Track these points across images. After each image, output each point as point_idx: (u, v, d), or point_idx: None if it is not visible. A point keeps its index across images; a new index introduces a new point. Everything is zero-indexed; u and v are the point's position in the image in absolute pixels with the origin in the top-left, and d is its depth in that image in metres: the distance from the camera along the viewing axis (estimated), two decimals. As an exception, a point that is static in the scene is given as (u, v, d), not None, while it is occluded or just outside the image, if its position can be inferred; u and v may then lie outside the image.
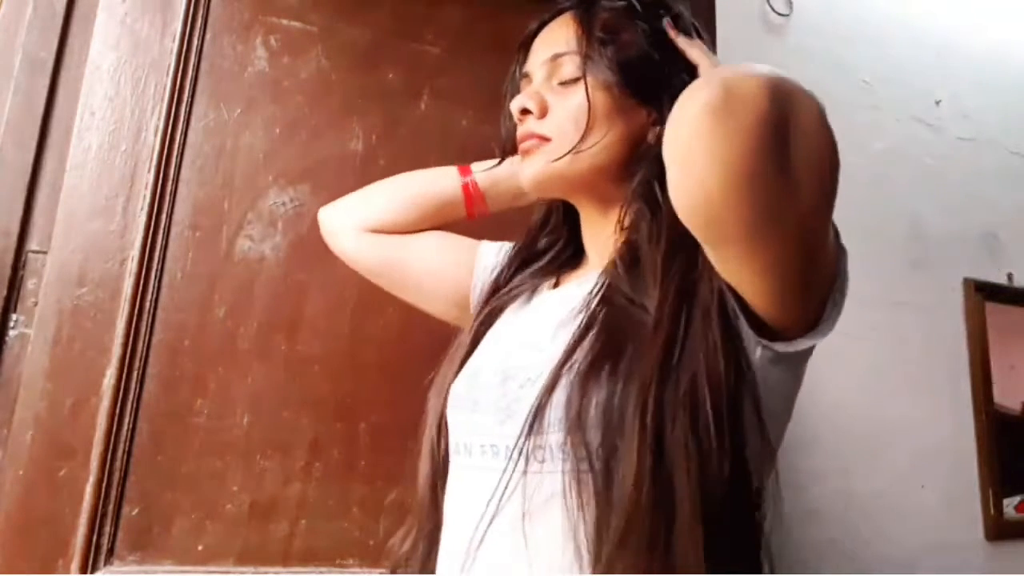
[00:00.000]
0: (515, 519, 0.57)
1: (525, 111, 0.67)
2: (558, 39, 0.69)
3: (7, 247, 0.98)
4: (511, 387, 0.63)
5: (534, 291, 0.76)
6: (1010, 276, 1.74)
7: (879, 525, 1.43)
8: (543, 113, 0.67)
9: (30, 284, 0.98)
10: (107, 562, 0.93)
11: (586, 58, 0.65)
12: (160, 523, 0.95)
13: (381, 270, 0.84)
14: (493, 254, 0.82)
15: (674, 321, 0.56)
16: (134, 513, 0.95)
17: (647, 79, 0.66)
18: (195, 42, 1.07)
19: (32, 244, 0.99)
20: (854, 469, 1.43)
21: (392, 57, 1.15)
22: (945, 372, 1.61)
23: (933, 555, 1.45)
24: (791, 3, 1.58)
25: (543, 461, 0.57)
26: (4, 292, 0.97)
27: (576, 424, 0.55)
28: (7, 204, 0.99)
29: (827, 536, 1.37)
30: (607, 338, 0.59)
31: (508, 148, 0.73)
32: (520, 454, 0.57)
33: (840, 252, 0.56)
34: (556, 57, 0.68)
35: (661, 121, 0.65)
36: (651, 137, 0.66)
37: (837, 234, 0.56)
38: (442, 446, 0.69)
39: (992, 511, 1.55)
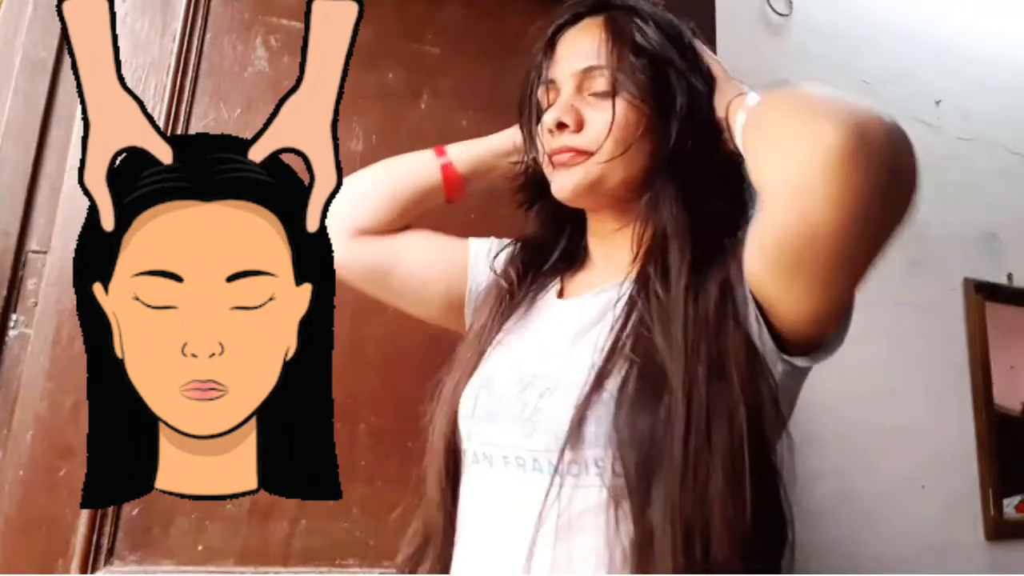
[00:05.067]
0: (553, 533, 0.58)
1: (562, 125, 0.67)
2: (587, 50, 0.69)
3: (7, 247, 0.98)
4: (530, 396, 0.63)
5: (536, 297, 0.76)
6: (1010, 276, 1.74)
7: (879, 525, 1.43)
8: (579, 127, 0.67)
9: (30, 284, 0.98)
10: (107, 562, 0.93)
11: (617, 73, 0.67)
12: (160, 523, 0.95)
13: (372, 276, 0.82)
14: (485, 253, 0.82)
15: (706, 359, 0.58)
16: (134, 513, 0.95)
17: (671, 93, 0.67)
18: (195, 42, 1.07)
19: (32, 244, 0.99)
20: (854, 469, 1.43)
21: (392, 57, 1.15)
22: (945, 372, 1.61)
23: (933, 555, 1.45)
24: (791, 3, 1.58)
25: (577, 475, 0.58)
26: (4, 292, 0.97)
27: (616, 442, 0.57)
28: (7, 204, 0.99)
29: (827, 536, 1.37)
30: (644, 356, 0.60)
31: (544, 161, 0.72)
32: (561, 469, 0.58)
33: None
34: (589, 70, 0.68)
35: (677, 134, 0.67)
36: (669, 151, 0.68)
37: None
38: (455, 454, 0.69)
39: (992, 511, 1.55)
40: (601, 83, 0.67)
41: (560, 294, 0.75)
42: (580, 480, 0.58)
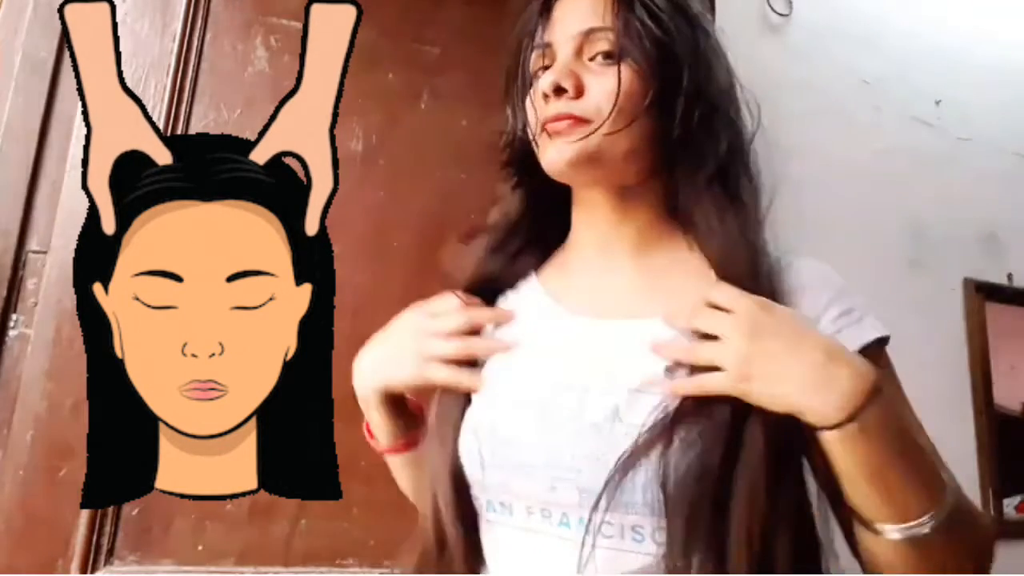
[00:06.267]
0: None
1: (560, 90, 0.61)
2: (589, 11, 0.63)
3: (7, 247, 0.98)
4: (543, 439, 0.58)
5: (523, 305, 0.68)
6: (1010, 276, 1.74)
7: (879, 525, 1.43)
8: (579, 93, 0.61)
9: (30, 284, 0.98)
10: (107, 562, 0.93)
11: (623, 37, 0.61)
12: (160, 523, 0.95)
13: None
14: None
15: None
16: (134, 513, 0.95)
17: (678, 65, 0.62)
18: (195, 42, 1.07)
19: (32, 244, 0.99)
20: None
21: (392, 57, 1.15)
22: (945, 372, 1.61)
23: (933, 555, 1.45)
24: (791, 3, 1.58)
25: (611, 537, 0.54)
26: (4, 292, 0.97)
27: (658, 511, 0.53)
28: (7, 204, 0.99)
29: (827, 536, 1.36)
30: (694, 423, 0.54)
31: (537, 131, 0.65)
32: (592, 529, 0.54)
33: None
34: (590, 32, 0.62)
35: (684, 109, 0.62)
36: (677, 132, 0.63)
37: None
38: (466, 497, 0.63)
39: (992, 511, 1.55)
40: (604, 47, 0.62)
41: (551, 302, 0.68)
42: (613, 543, 0.54)
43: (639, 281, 0.65)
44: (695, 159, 0.63)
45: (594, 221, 0.68)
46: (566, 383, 0.60)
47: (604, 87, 0.61)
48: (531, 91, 0.65)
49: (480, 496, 0.62)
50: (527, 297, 0.69)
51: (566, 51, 0.63)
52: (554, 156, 0.62)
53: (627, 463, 0.53)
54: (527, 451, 0.58)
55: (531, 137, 0.65)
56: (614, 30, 0.61)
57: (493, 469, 0.60)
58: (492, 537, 0.62)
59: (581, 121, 0.61)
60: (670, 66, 0.62)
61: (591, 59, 0.63)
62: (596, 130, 0.60)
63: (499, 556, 0.61)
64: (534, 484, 0.57)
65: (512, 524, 0.59)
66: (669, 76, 0.62)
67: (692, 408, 0.54)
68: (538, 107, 0.63)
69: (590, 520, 0.54)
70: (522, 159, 0.69)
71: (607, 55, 0.62)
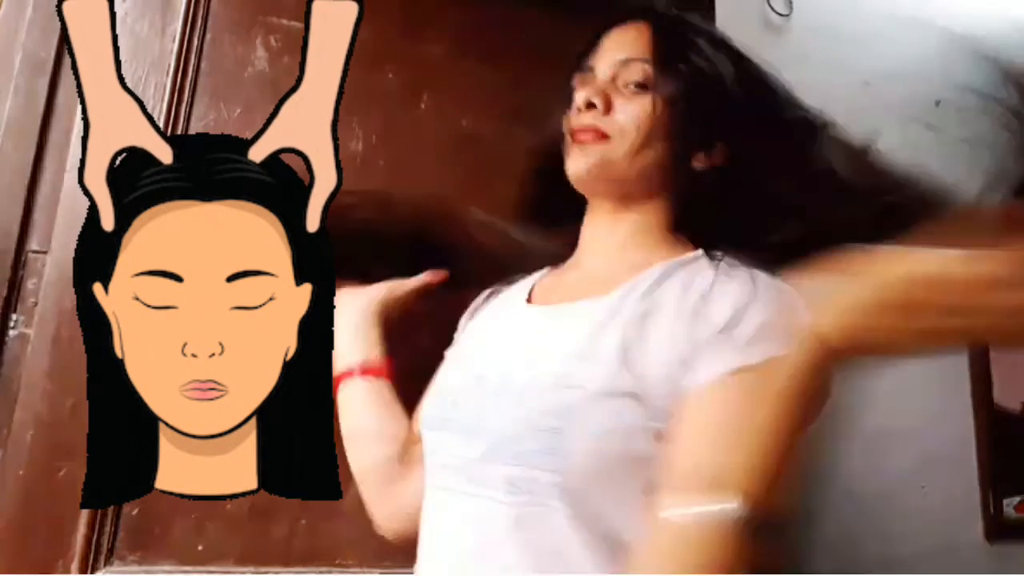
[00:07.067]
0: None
1: (591, 105, 0.69)
2: (631, 44, 0.71)
3: (7, 247, 0.98)
4: (471, 399, 0.65)
5: (503, 302, 0.77)
6: (1010, 276, 1.74)
7: (879, 525, 1.43)
8: (607, 110, 0.69)
9: (30, 284, 0.98)
10: (107, 562, 0.93)
11: (656, 68, 0.69)
12: (160, 523, 0.95)
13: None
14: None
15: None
16: (134, 513, 0.95)
17: (708, 104, 0.69)
18: (195, 42, 1.07)
19: (32, 244, 0.99)
20: (854, 469, 1.43)
21: (392, 57, 1.15)
22: (945, 372, 1.61)
23: (933, 555, 1.45)
24: (791, 3, 1.58)
25: (530, 493, 0.57)
26: (4, 292, 0.97)
27: (571, 468, 0.56)
28: (7, 204, 0.99)
29: (827, 537, 1.37)
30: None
31: (567, 140, 0.73)
32: (489, 484, 0.59)
33: None
34: (627, 61, 0.70)
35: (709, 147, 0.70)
36: (697, 163, 0.70)
37: None
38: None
39: (992, 511, 1.55)
40: (638, 76, 0.69)
41: (529, 299, 0.75)
42: (531, 500, 0.57)
43: (609, 270, 0.69)
44: (712, 184, 0.69)
45: (597, 234, 0.73)
46: (510, 355, 0.66)
47: (629, 110, 0.68)
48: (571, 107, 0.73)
49: (427, 459, 0.68)
50: (511, 293, 0.77)
51: (603, 75, 0.71)
52: (575, 163, 0.70)
53: (556, 423, 0.56)
54: (465, 414, 0.64)
55: (564, 144, 0.73)
56: (650, 62, 0.69)
57: (430, 427, 0.67)
58: (428, 501, 0.67)
59: (603, 135, 0.68)
60: (700, 100, 0.68)
61: (625, 86, 0.70)
62: (612, 142, 0.68)
63: (430, 520, 0.66)
64: (456, 439, 0.63)
65: (445, 486, 0.64)
66: (697, 110, 0.68)
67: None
68: (572, 120, 0.71)
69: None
70: (550, 170, 0.75)
71: (639, 83, 0.69)
